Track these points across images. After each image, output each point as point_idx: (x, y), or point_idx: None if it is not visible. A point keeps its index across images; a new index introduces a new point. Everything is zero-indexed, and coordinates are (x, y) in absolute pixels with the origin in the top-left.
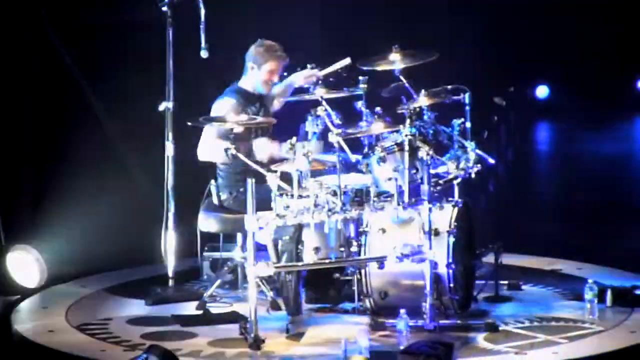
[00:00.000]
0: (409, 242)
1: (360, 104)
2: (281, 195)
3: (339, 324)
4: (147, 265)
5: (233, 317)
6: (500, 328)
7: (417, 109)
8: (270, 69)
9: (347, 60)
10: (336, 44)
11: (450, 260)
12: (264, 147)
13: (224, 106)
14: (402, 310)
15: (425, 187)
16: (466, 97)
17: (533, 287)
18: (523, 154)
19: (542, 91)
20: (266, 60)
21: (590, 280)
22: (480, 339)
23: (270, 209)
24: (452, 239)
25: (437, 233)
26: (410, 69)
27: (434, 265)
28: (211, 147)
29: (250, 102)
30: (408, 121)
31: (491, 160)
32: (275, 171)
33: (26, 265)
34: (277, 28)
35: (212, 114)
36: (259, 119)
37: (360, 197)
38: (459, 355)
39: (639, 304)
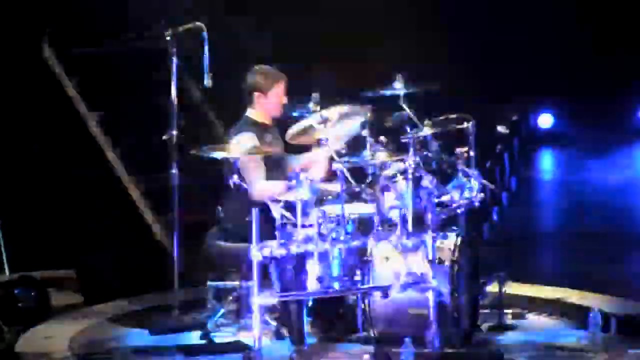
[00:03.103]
0: (412, 271)
1: (364, 133)
2: (285, 224)
3: (342, 353)
4: (151, 294)
5: (237, 347)
6: (504, 357)
7: (421, 138)
8: (278, 92)
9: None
10: (338, 72)
11: (454, 289)
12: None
13: (245, 141)
14: (407, 339)
15: (429, 216)
16: (470, 126)
17: (537, 316)
18: (526, 182)
19: (545, 120)
20: (272, 84)
21: (594, 309)
22: None
23: (274, 238)
24: (455, 268)
25: (440, 262)
26: (414, 98)
27: (438, 294)
28: (267, 185)
29: (265, 132)
30: (412, 150)
31: (495, 189)
32: (279, 201)
33: None
34: (278, 56)
35: (234, 151)
36: (267, 149)
37: (364, 226)
38: None
39: None
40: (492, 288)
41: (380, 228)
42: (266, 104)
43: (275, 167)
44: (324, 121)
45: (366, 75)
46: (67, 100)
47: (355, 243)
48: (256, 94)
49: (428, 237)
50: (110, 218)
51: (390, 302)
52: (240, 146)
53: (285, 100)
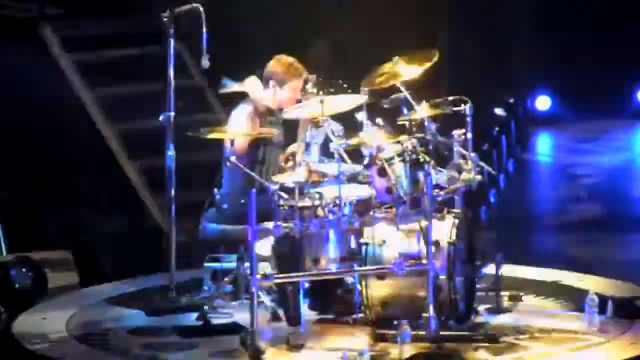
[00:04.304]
0: (409, 254)
1: (360, 115)
2: (282, 206)
3: (339, 335)
4: (147, 275)
5: (234, 328)
6: (500, 339)
7: (418, 120)
8: (294, 87)
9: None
10: (336, 55)
11: (451, 272)
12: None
13: (244, 113)
14: (403, 322)
15: (426, 198)
16: (467, 108)
17: (534, 298)
18: (524, 164)
19: (543, 102)
20: (290, 79)
21: (591, 292)
22: (481, 350)
23: (271, 219)
24: (452, 250)
25: (437, 244)
26: (411, 80)
27: (435, 276)
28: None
29: (267, 114)
30: (409, 132)
31: (492, 171)
32: (276, 182)
33: None
34: (280, 38)
35: (233, 121)
36: (264, 130)
37: (360, 208)
38: None
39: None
40: (489, 270)
41: (377, 210)
42: (279, 95)
43: (267, 150)
44: None
45: (365, 58)
46: (64, 80)
47: (352, 225)
48: (272, 82)
49: (425, 219)
50: (106, 198)
51: (387, 285)
52: (236, 121)
53: (299, 96)
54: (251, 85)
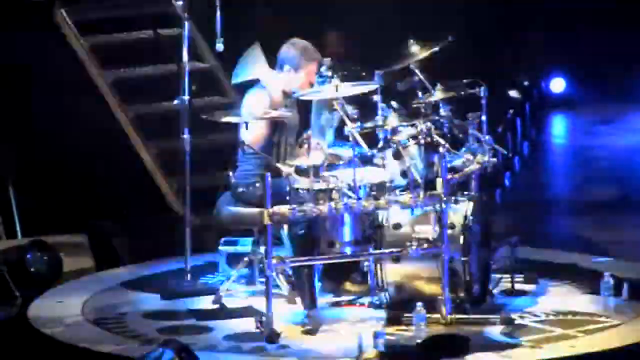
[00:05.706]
0: (424, 237)
1: (375, 98)
2: (297, 189)
3: (354, 318)
4: (163, 259)
5: (249, 311)
6: (516, 322)
7: (433, 103)
8: (310, 71)
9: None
10: (349, 40)
11: (466, 254)
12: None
13: (260, 98)
14: (418, 304)
15: (441, 181)
16: (482, 91)
17: (549, 280)
18: (539, 147)
19: (558, 84)
20: (305, 63)
21: (606, 274)
22: (496, 332)
23: (286, 202)
24: (467, 233)
25: (452, 227)
26: (426, 63)
27: (450, 259)
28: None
29: (282, 98)
30: (424, 115)
31: (507, 154)
32: (291, 165)
33: None
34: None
35: (249, 107)
36: (274, 113)
37: (375, 191)
38: (475, 349)
39: None
40: (504, 253)
41: (391, 193)
42: (294, 80)
43: (283, 133)
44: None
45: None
46: (79, 64)
47: (367, 208)
48: (287, 67)
49: (440, 202)
50: (121, 182)
51: (402, 268)
52: (250, 106)
53: (314, 80)
54: (263, 74)
